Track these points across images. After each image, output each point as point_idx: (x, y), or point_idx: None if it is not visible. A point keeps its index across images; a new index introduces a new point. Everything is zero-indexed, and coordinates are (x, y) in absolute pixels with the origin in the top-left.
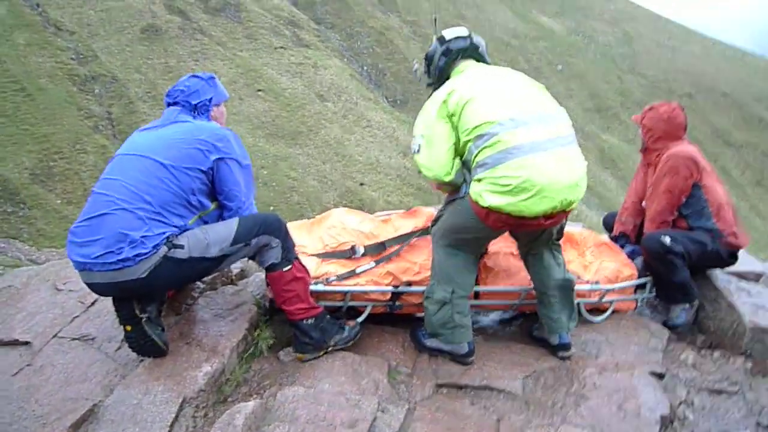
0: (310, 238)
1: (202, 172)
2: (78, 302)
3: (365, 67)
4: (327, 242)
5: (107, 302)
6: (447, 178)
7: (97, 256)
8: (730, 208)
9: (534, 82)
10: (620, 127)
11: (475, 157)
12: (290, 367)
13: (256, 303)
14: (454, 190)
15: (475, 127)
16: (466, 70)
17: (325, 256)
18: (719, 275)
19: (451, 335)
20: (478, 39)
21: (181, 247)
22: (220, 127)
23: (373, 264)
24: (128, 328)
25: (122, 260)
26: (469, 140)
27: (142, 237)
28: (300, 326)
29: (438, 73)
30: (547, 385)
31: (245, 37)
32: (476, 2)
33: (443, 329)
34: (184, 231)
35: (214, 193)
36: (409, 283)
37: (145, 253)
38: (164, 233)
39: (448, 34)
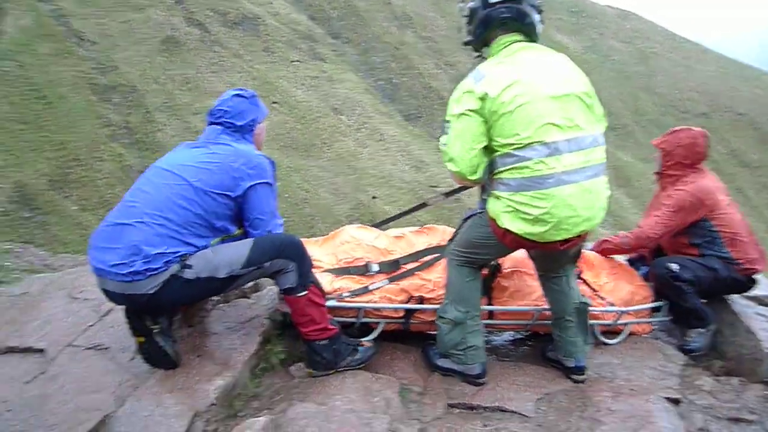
0: (323, 253)
1: (230, 198)
2: (93, 311)
3: (380, 82)
4: (341, 257)
5: (121, 312)
6: (472, 177)
7: (112, 265)
8: (748, 234)
9: (579, 81)
10: (634, 145)
11: (500, 172)
12: (302, 383)
13: (269, 317)
14: (475, 186)
15: (508, 144)
16: (511, 55)
17: (339, 272)
18: (738, 300)
19: (464, 356)
20: (527, 8)
21: (190, 267)
22: (257, 154)
23: (386, 281)
24: (141, 339)
25: (133, 273)
26: (497, 152)
27: (157, 253)
28: (313, 346)
29: (477, 38)
30: (560, 408)
31: (262, 50)
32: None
33: (455, 350)
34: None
35: (240, 219)
36: (422, 300)
37: (155, 269)
38: (179, 252)
39: None
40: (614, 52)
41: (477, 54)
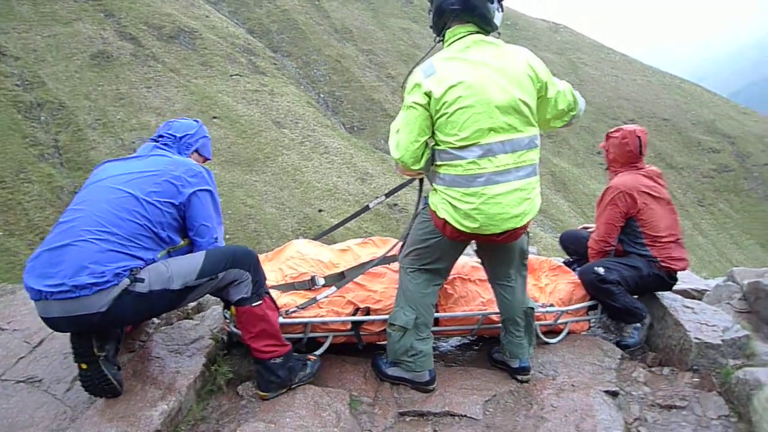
0: (269, 269)
1: (174, 206)
2: (23, 342)
3: (322, 95)
4: (287, 273)
5: (55, 342)
6: (415, 167)
7: (55, 285)
8: (672, 235)
9: (523, 83)
10: (570, 151)
11: (438, 166)
12: (250, 403)
13: (214, 337)
14: (419, 176)
15: (446, 141)
16: (463, 50)
17: (285, 287)
18: (666, 294)
19: (413, 364)
20: (478, 1)
21: (142, 280)
22: (195, 163)
23: (334, 289)
24: (84, 366)
25: (79, 288)
26: (437, 146)
27: (103, 270)
28: (267, 365)
29: (434, 25)
30: (507, 409)
31: (200, 64)
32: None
33: (405, 356)
34: (149, 264)
35: (184, 229)
36: (369, 312)
37: (103, 284)
38: (127, 266)
39: None
40: (546, 62)
41: (439, 39)
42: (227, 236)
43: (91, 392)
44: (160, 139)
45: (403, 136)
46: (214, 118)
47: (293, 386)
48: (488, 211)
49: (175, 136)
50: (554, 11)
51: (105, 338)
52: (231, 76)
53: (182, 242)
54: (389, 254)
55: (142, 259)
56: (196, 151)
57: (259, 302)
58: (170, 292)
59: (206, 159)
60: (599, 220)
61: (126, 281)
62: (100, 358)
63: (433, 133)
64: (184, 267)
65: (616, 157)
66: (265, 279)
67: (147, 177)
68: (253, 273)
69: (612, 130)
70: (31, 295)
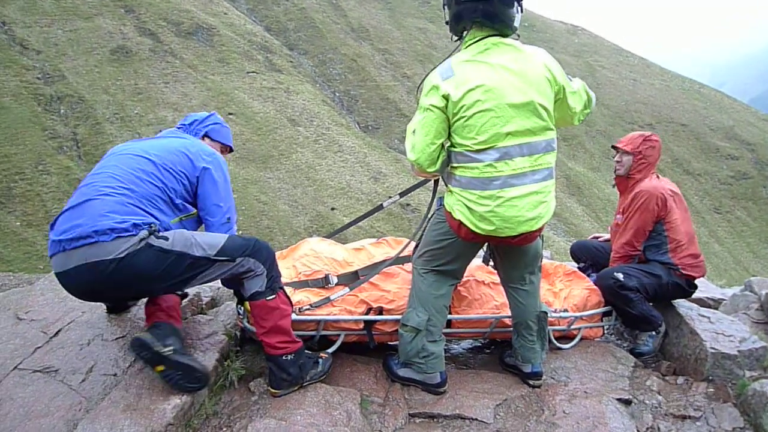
0: (283, 266)
1: (187, 178)
2: (41, 332)
3: (337, 93)
4: (300, 270)
5: (71, 333)
6: (430, 169)
7: (75, 233)
8: (692, 242)
9: (542, 87)
10: (585, 155)
11: (453, 167)
12: (261, 399)
13: (227, 333)
14: (434, 177)
15: (463, 144)
16: (482, 52)
17: (299, 285)
18: (682, 303)
19: (425, 365)
20: (496, 7)
21: (166, 238)
22: (210, 149)
23: (347, 290)
24: (159, 368)
25: (98, 232)
26: (454, 147)
27: (123, 218)
28: (278, 361)
29: (452, 28)
30: (518, 413)
31: (217, 60)
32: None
33: (417, 358)
34: (168, 229)
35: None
36: (381, 311)
37: (122, 230)
38: (145, 221)
39: None
40: (564, 65)
41: (456, 38)
42: (239, 232)
43: (181, 389)
44: (177, 129)
45: (419, 139)
46: (230, 114)
47: (304, 384)
48: (504, 213)
49: (185, 124)
50: (572, 12)
51: (161, 334)
52: (248, 73)
53: (194, 210)
54: (402, 255)
55: (158, 219)
56: (207, 135)
57: (273, 296)
58: (189, 257)
59: (223, 145)
60: (628, 224)
61: (144, 233)
62: (168, 354)
63: (449, 135)
64: (208, 239)
65: (651, 162)
66: (280, 275)
67: (164, 148)
68: (268, 267)
69: (641, 136)
70: (50, 250)
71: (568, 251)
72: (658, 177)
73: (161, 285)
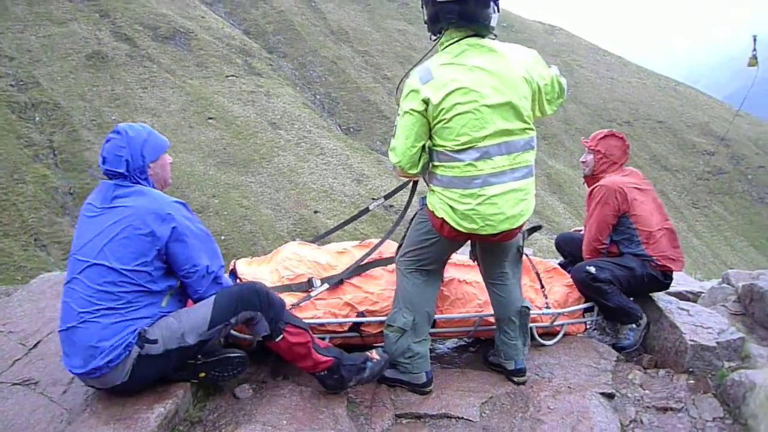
0: (265, 270)
1: (157, 258)
2: (19, 344)
3: (318, 96)
4: (283, 274)
5: (51, 344)
6: (412, 171)
7: (79, 368)
8: (666, 233)
9: (519, 86)
10: (565, 153)
11: (435, 166)
12: (247, 404)
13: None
14: (416, 178)
15: (444, 145)
16: (460, 55)
17: (282, 289)
18: (661, 296)
19: (410, 365)
20: (473, 8)
21: (155, 341)
22: (161, 203)
23: (326, 285)
24: (201, 375)
25: (96, 369)
26: (434, 148)
27: (111, 345)
28: (316, 377)
29: (429, 28)
30: (503, 411)
31: (195, 64)
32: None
33: (402, 358)
34: (158, 319)
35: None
36: (364, 314)
37: (116, 358)
38: (134, 330)
39: None
40: None
41: (434, 38)
42: (222, 237)
43: (224, 380)
44: (112, 177)
45: (401, 142)
46: (210, 119)
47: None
48: (484, 212)
49: (118, 173)
50: (549, 11)
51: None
52: (227, 77)
53: (179, 282)
54: (386, 256)
55: (146, 317)
56: (152, 162)
57: (281, 337)
58: (185, 347)
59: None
60: (590, 220)
61: (136, 349)
62: (200, 362)
63: (430, 138)
64: (194, 320)
65: (617, 159)
66: (282, 309)
67: (119, 242)
68: (265, 311)
69: (601, 133)
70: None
71: (551, 248)
72: (627, 173)
73: (175, 372)
